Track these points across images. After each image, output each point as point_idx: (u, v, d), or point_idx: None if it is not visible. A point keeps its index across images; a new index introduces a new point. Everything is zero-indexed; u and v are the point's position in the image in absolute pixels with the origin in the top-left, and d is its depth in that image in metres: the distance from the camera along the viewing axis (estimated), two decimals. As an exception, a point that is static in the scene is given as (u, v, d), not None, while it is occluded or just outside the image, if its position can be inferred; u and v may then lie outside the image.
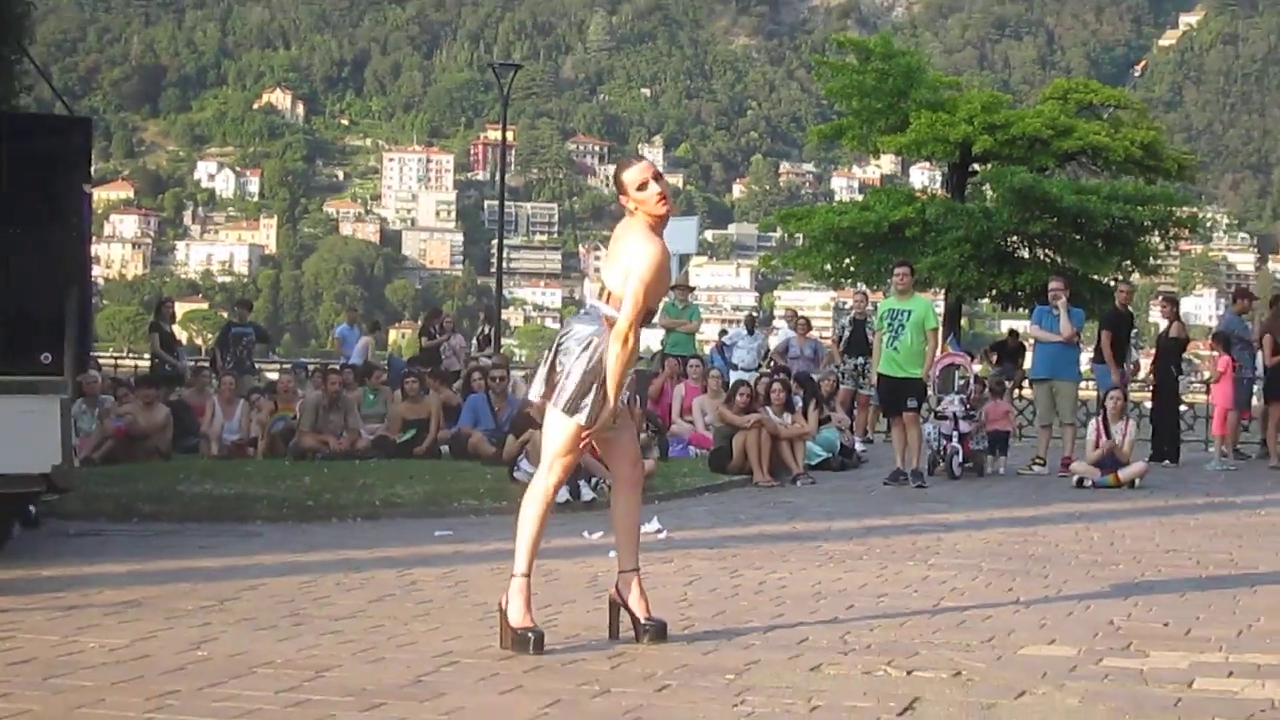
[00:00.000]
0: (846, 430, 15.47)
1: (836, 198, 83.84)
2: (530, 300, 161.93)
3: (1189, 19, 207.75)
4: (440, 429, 14.97)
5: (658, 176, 5.42)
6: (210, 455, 14.39)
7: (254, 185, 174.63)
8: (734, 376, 16.52)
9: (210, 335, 61.65)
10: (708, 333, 43.98)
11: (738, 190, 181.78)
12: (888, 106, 27.24)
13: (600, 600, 5.94)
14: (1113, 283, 21.50)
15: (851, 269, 27.45)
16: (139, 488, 10.85)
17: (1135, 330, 16.19)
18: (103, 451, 13.47)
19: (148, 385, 15.18)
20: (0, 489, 7.65)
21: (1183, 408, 17.50)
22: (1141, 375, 16.78)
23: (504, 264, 41.13)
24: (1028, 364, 18.33)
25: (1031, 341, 16.08)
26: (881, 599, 6.64)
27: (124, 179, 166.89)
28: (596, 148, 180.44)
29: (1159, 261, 28.92)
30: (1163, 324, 16.87)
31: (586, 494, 10.53)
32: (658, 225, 5.38)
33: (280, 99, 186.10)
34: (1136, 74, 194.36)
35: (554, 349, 5.41)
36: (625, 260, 5.30)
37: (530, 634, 5.24)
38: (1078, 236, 26.14)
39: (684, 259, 21.15)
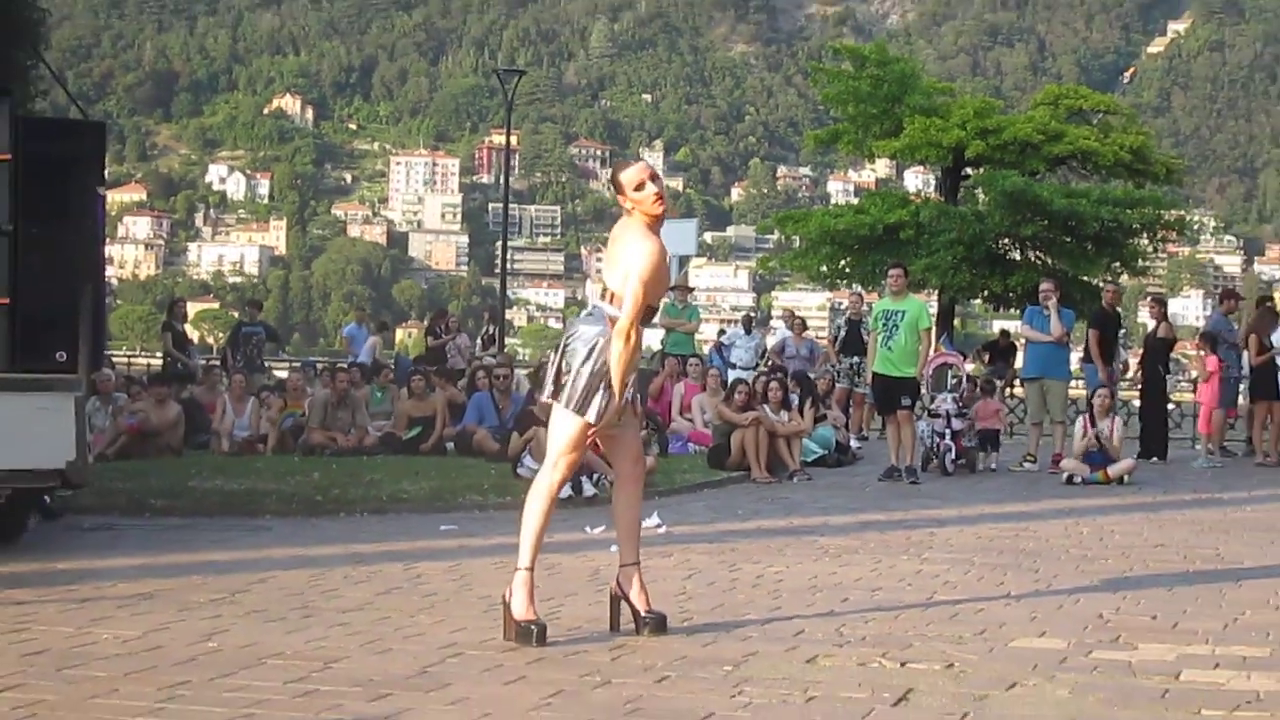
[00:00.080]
0: (842, 428, 15.54)
1: (832, 201, 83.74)
2: (533, 300, 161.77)
3: (1177, 26, 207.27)
4: (446, 426, 15.02)
5: (654, 177, 5.45)
6: (221, 451, 14.47)
7: (264, 188, 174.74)
8: (732, 375, 16.64)
9: (221, 334, 61.75)
10: (707, 332, 44.02)
11: (736, 193, 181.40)
12: (882, 112, 27.29)
13: (601, 593, 5.98)
14: (1101, 284, 21.59)
15: (847, 270, 27.48)
16: (151, 483, 10.88)
17: (1124, 330, 16.27)
18: (116, 447, 13.58)
19: (160, 383, 15.35)
20: (16, 484, 7.71)
21: (1170, 406, 17.58)
22: (1130, 374, 16.88)
23: (508, 265, 41.19)
24: (1019, 363, 18.45)
25: (1023, 341, 16.21)
26: (876, 592, 6.66)
27: (137, 182, 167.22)
28: (598, 152, 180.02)
29: (1147, 263, 28.90)
30: (1151, 324, 16.97)
31: (588, 490, 10.58)
32: (654, 224, 5.41)
33: (290, 104, 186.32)
34: (1125, 80, 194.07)
35: (560, 350, 5.44)
36: (624, 260, 5.34)
37: (533, 626, 5.28)
38: (1068, 239, 26.20)
39: (684, 260, 21.25)
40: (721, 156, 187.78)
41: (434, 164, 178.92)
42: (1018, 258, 26.79)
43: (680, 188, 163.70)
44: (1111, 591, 6.74)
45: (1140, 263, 27.69)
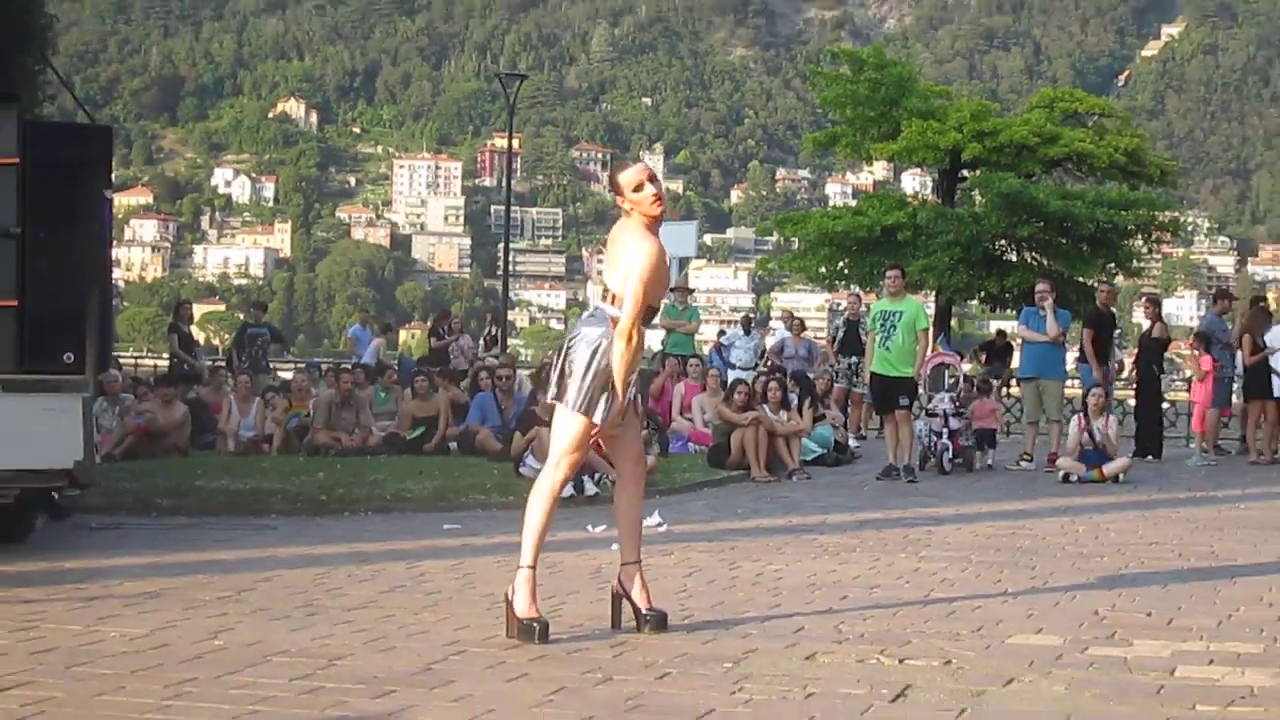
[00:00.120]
0: (840, 427, 15.62)
1: (831, 203, 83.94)
2: (535, 302, 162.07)
3: (1171, 30, 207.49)
4: (449, 426, 15.06)
5: (652, 178, 5.48)
6: (227, 451, 14.53)
7: (269, 191, 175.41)
8: (732, 375, 16.70)
9: (227, 336, 61.79)
10: (707, 333, 44.02)
11: (735, 196, 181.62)
12: (880, 115, 27.34)
13: (603, 591, 6.02)
14: (1096, 284, 21.67)
15: (845, 272, 27.51)
16: (158, 483, 10.91)
17: (1118, 330, 16.31)
18: (123, 448, 13.63)
19: (166, 384, 15.44)
20: (24, 484, 7.75)
21: (1165, 405, 17.65)
22: (1125, 374, 16.98)
23: (510, 267, 41.29)
24: (1015, 363, 18.51)
25: (1019, 341, 16.29)
26: (874, 590, 6.68)
27: (143, 185, 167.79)
28: (599, 155, 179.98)
29: (1142, 264, 28.90)
30: (1146, 324, 17.07)
31: (590, 489, 10.62)
32: (653, 225, 5.43)
33: (294, 108, 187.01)
34: (1120, 83, 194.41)
35: (563, 351, 5.47)
36: (624, 261, 5.37)
37: (535, 624, 5.31)
38: (1063, 240, 26.23)
39: (684, 262, 21.28)
40: (721, 159, 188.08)
41: (437, 167, 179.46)
42: (1014, 259, 26.83)
43: (680, 190, 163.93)
44: (1107, 589, 6.76)
45: (1135, 264, 27.72)
